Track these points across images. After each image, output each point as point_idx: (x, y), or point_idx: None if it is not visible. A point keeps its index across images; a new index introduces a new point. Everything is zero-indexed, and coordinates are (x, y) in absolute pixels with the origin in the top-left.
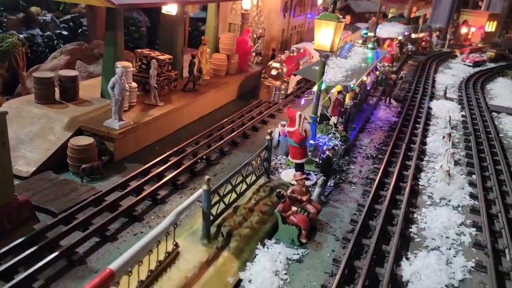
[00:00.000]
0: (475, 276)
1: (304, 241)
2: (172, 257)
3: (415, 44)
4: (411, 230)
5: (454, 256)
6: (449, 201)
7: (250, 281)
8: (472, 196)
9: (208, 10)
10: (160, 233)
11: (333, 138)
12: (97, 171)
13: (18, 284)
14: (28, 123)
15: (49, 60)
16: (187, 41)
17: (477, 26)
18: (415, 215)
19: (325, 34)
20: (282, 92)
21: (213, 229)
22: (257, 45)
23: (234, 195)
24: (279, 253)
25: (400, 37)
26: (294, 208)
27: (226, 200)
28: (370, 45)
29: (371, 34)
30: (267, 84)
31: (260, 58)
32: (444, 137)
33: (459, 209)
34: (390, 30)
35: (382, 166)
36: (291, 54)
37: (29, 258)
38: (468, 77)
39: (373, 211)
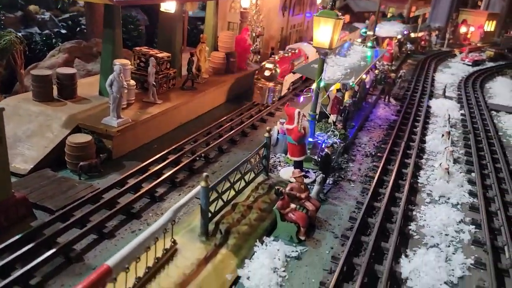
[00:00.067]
0: (474, 273)
1: (302, 238)
2: (170, 254)
3: (414, 44)
4: (410, 227)
5: (453, 253)
6: (448, 198)
7: (248, 278)
8: (471, 193)
9: (207, 8)
10: (158, 229)
11: (332, 136)
12: (95, 168)
13: (15, 281)
14: (26, 120)
15: (47, 58)
16: (186, 39)
17: (476, 25)
18: (414, 213)
19: (324, 31)
20: (276, 94)
21: (211, 226)
22: (256, 43)
23: (232, 193)
24: (278, 250)
25: (399, 36)
26: (292, 205)
27: (225, 197)
28: (369, 44)
29: (370, 33)
30: (260, 85)
31: (259, 56)
32: (443, 135)
33: (458, 206)
34: (389, 29)
35: (381, 164)
36: (285, 55)
37: (26, 255)
38: (467, 76)
39: (372, 209)
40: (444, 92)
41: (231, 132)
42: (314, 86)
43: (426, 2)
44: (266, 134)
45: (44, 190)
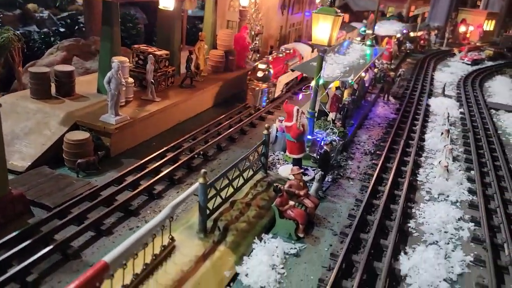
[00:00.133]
0: (474, 270)
1: (301, 235)
2: (168, 250)
3: (413, 43)
4: (409, 225)
5: (453, 251)
6: (448, 196)
7: (246, 275)
8: (471, 191)
9: (206, 6)
10: (156, 226)
11: (331, 134)
12: (93, 166)
13: (12, 278)
14: (24, 118)
15: (46, 56)
16: (185, 38)
17: (476, 25)
18: (413, 210)
19: (323, 28)
20: (269, 95)
21: (209, 224)
22: (255, 42)
23: (231, 190)
24: (276, 247)
25: (398, 35)
26: (291, 203)
27: (223, 194)
28: (368, 42)
29: (369, 31)
30: (253, 87)
31: (258, 55)
32: (442, 133)
33: (458, 204)
34: (389, 28)
35: (380, 162)
36: (279, 55)
37: (23, 252)
38: (466, 75)
39: (371, 206)
40: (444, 90)
41: (230, 130)
42: (313, 83)
43: (425, 1)
44: (265, 131)
45: (42, 188)
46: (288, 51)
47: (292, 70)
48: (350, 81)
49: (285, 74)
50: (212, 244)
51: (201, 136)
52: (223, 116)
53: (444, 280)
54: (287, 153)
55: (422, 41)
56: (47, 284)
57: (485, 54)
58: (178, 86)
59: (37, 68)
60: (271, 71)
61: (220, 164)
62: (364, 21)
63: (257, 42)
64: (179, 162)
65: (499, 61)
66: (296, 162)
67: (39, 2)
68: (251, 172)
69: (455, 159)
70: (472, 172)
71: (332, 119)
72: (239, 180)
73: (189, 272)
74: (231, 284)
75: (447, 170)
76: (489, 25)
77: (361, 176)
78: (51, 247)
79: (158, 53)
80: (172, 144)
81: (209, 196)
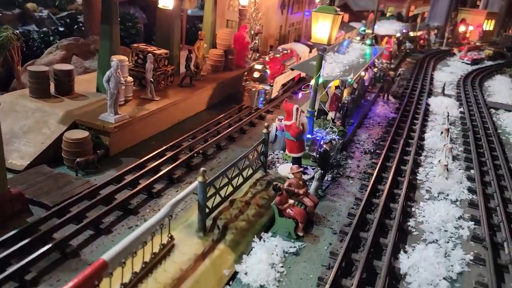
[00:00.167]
0: (474, 269)
1: (301, 234)
2: (167, 249)
3: (413, 42)
4: (409, 223)
5: (453, 249)
6: (447, 195)
7: (246, 273)
8: (471, 190)
9: (205, 5)
10: (155, 224)
11: (331, 133)
12: (92, 165)
13: (10, 276)
14: (23, 117)
15: (45, 55)
16: (184, 38)
17: (475, 24)
18: (413, 209)
19: (323, 27)
20: (266, 96)
21: (209, 222)
22: (254, 41)
23: (230, 188)
24: (276, 246)
25: (398, 34)
26: (291, 201)
27: (222, 193)
28: (368, 41)
29: (369, 31)
30: (249, 87)
31: (257, 54)
32: (442, 132)
33: (457, 203)
34: (388, 28)
35: (380, 161)
36: (276, 55)
37: (22, 251)
38: (466, 75)
39: (371, 205)
40: (443, 90)
41: (229, 129)
42: (312, 82)
43: (425, 1)
44: (264, 130)
45: (41, 186)
46: (285, 52)
47: (292, 69)
48: (349, 80)
49: (282, 75)
50: (212, 243)
51: (201, 135)
52: (223, 115)
53: (444, 278)
54: (286, 152)
55: (421, 41)
56: (46, 283)
57: (484, 53)
58: (178, 85)
59: (36, 67)
60: (268, 71)
61: (219, 163)
62: (363, 21)
63: (257, 42)
64: (179, 161)
65: (499, 60)
66: (296, 161)
67: (38, 1)
68: (250, 171)
69: (455, 158)
70: (472, 171)
71: (331, 118)
72: (238, 179)
73: (188, 271)
74: (231, 282)
75: (447, 169)
76: (489, 25)
77: (360, 175)
78: (49, 245)
79: (158, 52)
80: (171, 143)
81: (208, 195)
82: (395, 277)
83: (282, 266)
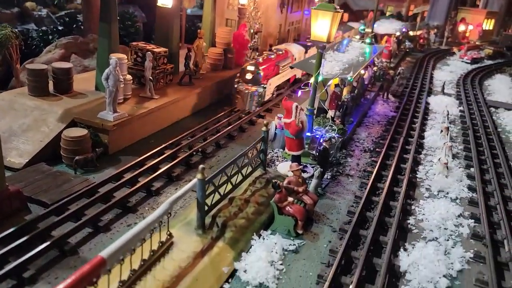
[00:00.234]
0: (474, 266)
1: (300, 232)
2: (166, 247)
3: (413, 42)
4: (408, 221)
5: (453, 247)
6: (447, 193)
7: (245, 271)
8: (470, 188)
9: (204, 4)
10: (153, 221)
11: (330, 131)
12: (91, 163)
13: (8, 274)
14: (21, 115)
15: (44, 53)
16: (184, 37)
17: (475, 24)
18: (413, 207)
19: (322, 24)
20: (259, 99)
21: (208, 220)
22: (254, 40)
23: (229, 186)
24: (275, 243)
25: (397, 33)
26: (290, 199)
27: (221, 191)
28: (368, 40)
29: (368, 30)
30: (241, 90)
31: (257, 53)
32: (442, 131)
33: (457, 201)
34: (388, 27)
35: (380, 159)
36: (270, 56)
37: (20, 248)
38: (466, 74)
39: (371, 203)
40: (443, 89)
41: (229, 128)
42: (312, 80)
43: (425, 0)
44: (264, 128)
45: (39, 184)
46: (279, 52)
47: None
48: (349, 79)
49: (276, 76)
50: (211, 241)
51: (200, 133)
52: (222, 113)
53: (444, 276)
54: (286, 150)
55: (421, 40)
56: (44, 280)
57: (484, 53)
58: (177, 84)
59: (35, 65)
60: (261, 73)
61: (218, 161)
62: (361, 21)
63: (256, 40)
64: (178, 159)
65: (499, 60)
66: (295, 159)
67: (37, 0)
68: (249, 169)
69: (454, 156)
70: (472, 169)
71: (331, 116)
72: (237, 177)
73: (187, 268)
74: (230, 280)
75: (447, 167)
76: (489, 24)
77: (360, 173)
78: (48, 243)
79: (157, 50)
80: (170, 142)
81: (207, 193)
82: (395, 275)
83: (281, 264)
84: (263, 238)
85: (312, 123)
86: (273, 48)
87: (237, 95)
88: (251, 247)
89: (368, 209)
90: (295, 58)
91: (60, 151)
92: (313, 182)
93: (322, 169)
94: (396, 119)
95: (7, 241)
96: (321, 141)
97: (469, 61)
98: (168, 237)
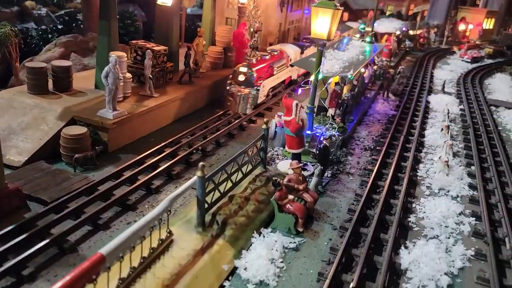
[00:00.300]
0: (475, 264)
1: (300, 229)
2: (166, 244)
3: (413, 41)
4: (409, 219)
5: (454, 245)
6: (448, 191)
7: (245, 268)
8: (471, 186)
9: (204, 3)
10: (153, 219)
11: (331, 129)
12: (90, 161)
13: (7, 271)
14: (21, 113)
15: (43, 52)
16: (183, 36)
17: (475, 23)
18: (413, 205)
19: (322, 22)
20: (252, 101)
21: (208, 218)
22: (254, 39)
23: (229, 184)
24: (275, 241)
25: (397, 32)
26: (290, 197)
27: (222, 188)
28: (368, 39)
29: (368, 29)
30: (234, 92)
31: (257, 52)
32: (442, 129)
33: (458, 199)
34: (388, 26)
35: (380, 157)
36: (264, 57)
37: (19, 246)
38: (466, 73)
39: (371, 201)
40: (443, 87)
41: (229, 126)
42: (312, 78)
43: (425, 0)
44: (264, 126)
45: (38, 182)
46: (274, 53)
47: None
48: (349, 77)
49: (270, 78)
50: (211, 238)
51: (200, 131)
52: (222, 112)
53: (445, 274)
54: (286, 148)
55: (421, 39)
56: (43, 278)
57: (484, 52)
58: (177, 82)
59: (34, 63)
60: (254, 74)
61: (218, 160)
62: (360, 20)
63: (256, 39)
64: (177, 158)
65: (499, 59)
66: (296, 157)
67: None
68: (250, 167)
69: (455, 154)
70: (473, 167)
71: (331, 114)
72: (237, 175)
73: (187, 266)
74: (230, 278)
75: (447, 166)
76: (489, 24)
77: (360, 171)
78: (47, 241)
79: (157, 48)
80: (170, 140)
81: (207, 190)
82: (396, 273)
83: (282, 262)
84: (264, 236)
85: (313, 121)
86: (267, 48)
87: (229, 97)
88: (251, 245)
89: (368, 207)
90: (291, 59)
91: (59, 149)
92: (314, 180)
93: (322, 167)
94: (397, 117)
95: (6, 239)
96: (322, 139)
97: (469, 60)
98: (168, 234)
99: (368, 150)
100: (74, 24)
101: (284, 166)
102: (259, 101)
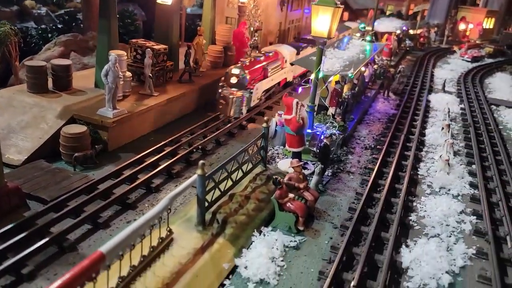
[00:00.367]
0: (476, 262)
1: (301, 228)
2: (166, 243)
3: (413, 40)
4: (410, 218)
5: (455, 243)
6: (449, 190)
7: (246, 267)
8: (472, 185)
9: (204, 2)
10: (153, 217)
11: (331, 127)
12: (90, 160)
13: (6, 270)
14: (20, 112)
15: (43, 51)
16: (183, 35)
17: (475, 22)
18: (414, 204)
19: (322, 20)
20: (244, 104)
21: (208, 216)
22: (254, 38)
23: (230, 183)
24: (276, 240)
25: (398, 32)
26: (291, 195)
27: (222, 187)
28: (368, 38)
29: (368, 28)
30: (225, 94)
31: (257, 51)
32: (443, 128)
33: (459, 197)
34: (388, 25)
35: (381, 156)
36: (258, 58)
37: (18, 245)
38: (466, 72)
39: (372, 200)
40: (444, 86)
41: (229, 125)
42: (312, 77)
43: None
44: (264, 124)
45: (38, 181)
46: (268, 54)
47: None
48: (350, 75)
49: (264, 80)
50: (211, 237)
51: (200, 130)
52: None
53: (446, 272)
54: (286, 147)
55: (421, 39)
56: (43, 276)
57: (485, 51)
58: (177, 81)
59: (34, 61)
60: (247, 76)
61: (218, 158)
62: (358, 20)
63: (256, 39)
64: (177, 156)
65: (499, 58)
66: (296, 156)
67: None
68: (250, 165)
69: (456, 153)
70: (474, 166)
71: (332, 113)
72: (238, 173)
73: (187, 265)
74: (230, 276)
75: (448, 164)
76: (489, 23)
77: (361, 170)
78: (47, 239)
79: (156, 47)
80: (170, 139)
81: (207, 189)
82: (397, 271)
83: (282, 260)
84: (264, 235)
85: (313, 120)
86: (262, 49)
87: (221, 100)
88: (251, 244)
89: (369, 206)
90: (286, 60)
91: (59, 148)
92: (314, 178)
93: (323, 166)
94: (397, 116)
95: (6, 237)
96: (322, 137)
97: (469, 60)
98: (168, 233)
99: (368, 149)
100: (74, 23)
101: (285, 164)
102: (252, 104)
